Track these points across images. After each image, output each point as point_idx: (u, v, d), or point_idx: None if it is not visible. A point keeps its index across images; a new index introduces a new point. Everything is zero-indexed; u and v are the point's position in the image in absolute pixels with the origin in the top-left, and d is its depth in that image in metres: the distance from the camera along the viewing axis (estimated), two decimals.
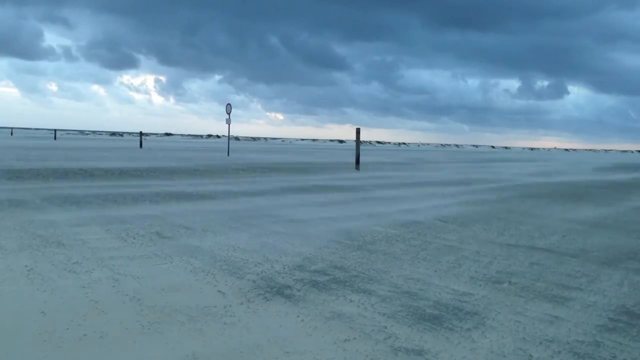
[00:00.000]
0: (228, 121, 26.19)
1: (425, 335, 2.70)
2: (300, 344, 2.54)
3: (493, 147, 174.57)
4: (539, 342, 2.66)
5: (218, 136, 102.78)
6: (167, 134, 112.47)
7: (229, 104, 26.60)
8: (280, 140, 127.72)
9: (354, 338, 2.63)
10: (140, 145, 33.36)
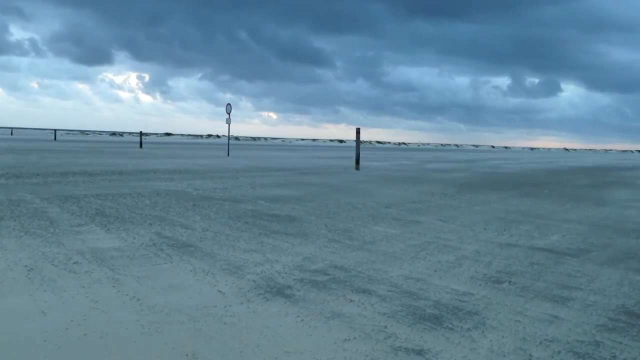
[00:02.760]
0: (228, 121, 26.20)
1: (425, 335, 2.70)
2: (300, 344, 2.54)
3: (493, 147, 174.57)
4: (539, 342, 2.66)
5: (218, 136, 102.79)
6: (167, 134, 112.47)
7: (228, 104, 26.63)
8: (280, 140, 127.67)
9: (354, 338, 2.63)
10: (140, 145, 33.36)
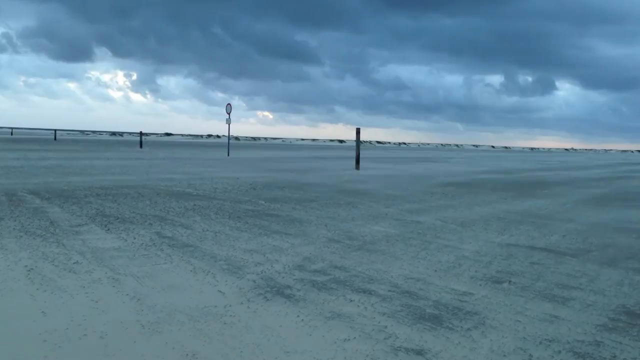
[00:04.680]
0: (228, 121, 26.21)
1: (425, 335, 2.70)
2: (300, 344, 2.54)
3: (493, 147, 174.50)
4: (539, 342, 2.66)
5: (218, 136, 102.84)
6: (167, 134, 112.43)
7: (229, 104, 26.63)
8: (280, 140, 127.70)
9: (354, 338, 2.63)
10: (141, 145, 33.36)
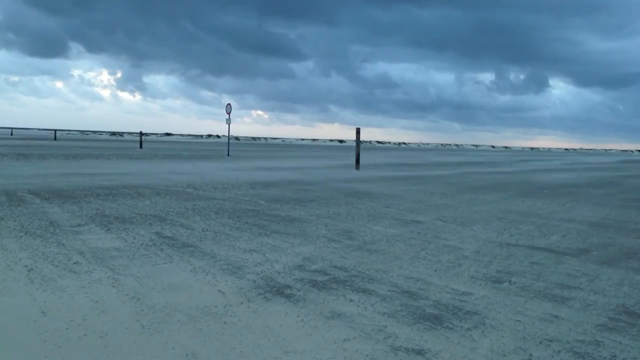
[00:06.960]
0: (228, 121, 26.22)
1: (425, 335, 2.70)
2: (300, 344, 2.54)
3: (493, 146, 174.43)
4: (539, 342, 2.66)
5: (218, 136, 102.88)
6: (167, 134, 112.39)
7: (229, 103, 26.64)
8: (280, 140, 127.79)
9: (354, 338, 2.63)
10: (140, 146, 33.35)
